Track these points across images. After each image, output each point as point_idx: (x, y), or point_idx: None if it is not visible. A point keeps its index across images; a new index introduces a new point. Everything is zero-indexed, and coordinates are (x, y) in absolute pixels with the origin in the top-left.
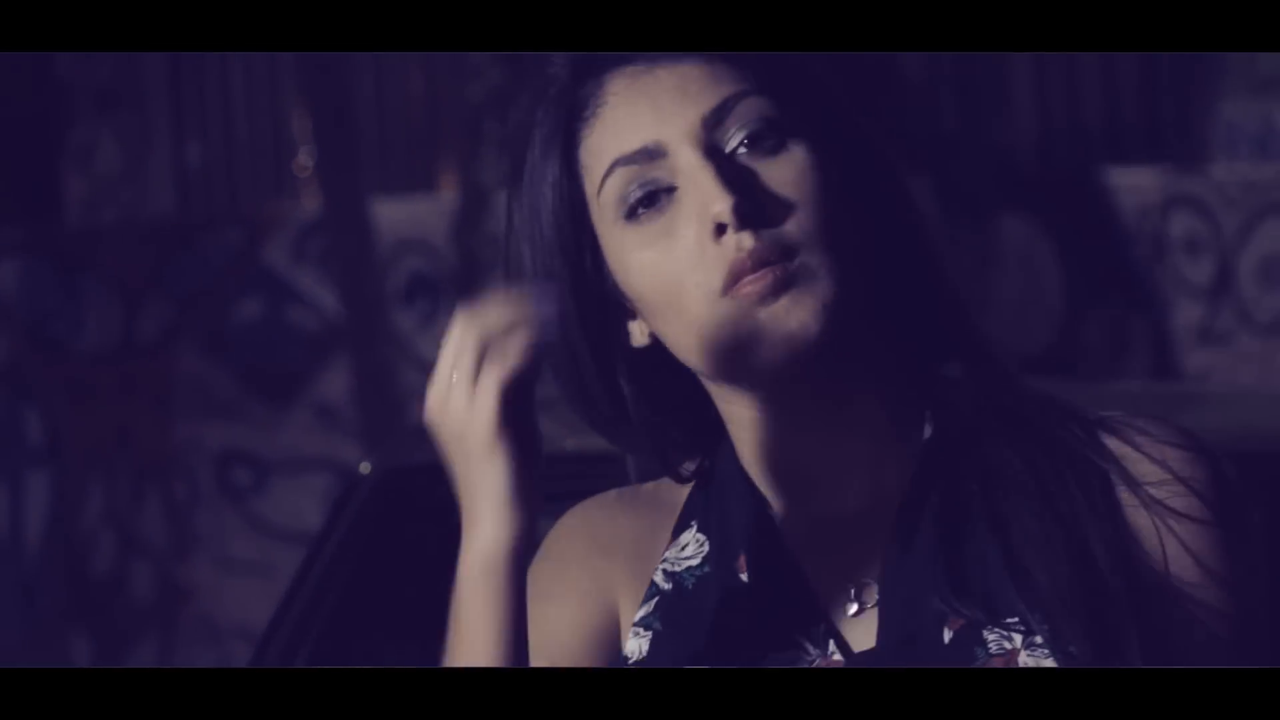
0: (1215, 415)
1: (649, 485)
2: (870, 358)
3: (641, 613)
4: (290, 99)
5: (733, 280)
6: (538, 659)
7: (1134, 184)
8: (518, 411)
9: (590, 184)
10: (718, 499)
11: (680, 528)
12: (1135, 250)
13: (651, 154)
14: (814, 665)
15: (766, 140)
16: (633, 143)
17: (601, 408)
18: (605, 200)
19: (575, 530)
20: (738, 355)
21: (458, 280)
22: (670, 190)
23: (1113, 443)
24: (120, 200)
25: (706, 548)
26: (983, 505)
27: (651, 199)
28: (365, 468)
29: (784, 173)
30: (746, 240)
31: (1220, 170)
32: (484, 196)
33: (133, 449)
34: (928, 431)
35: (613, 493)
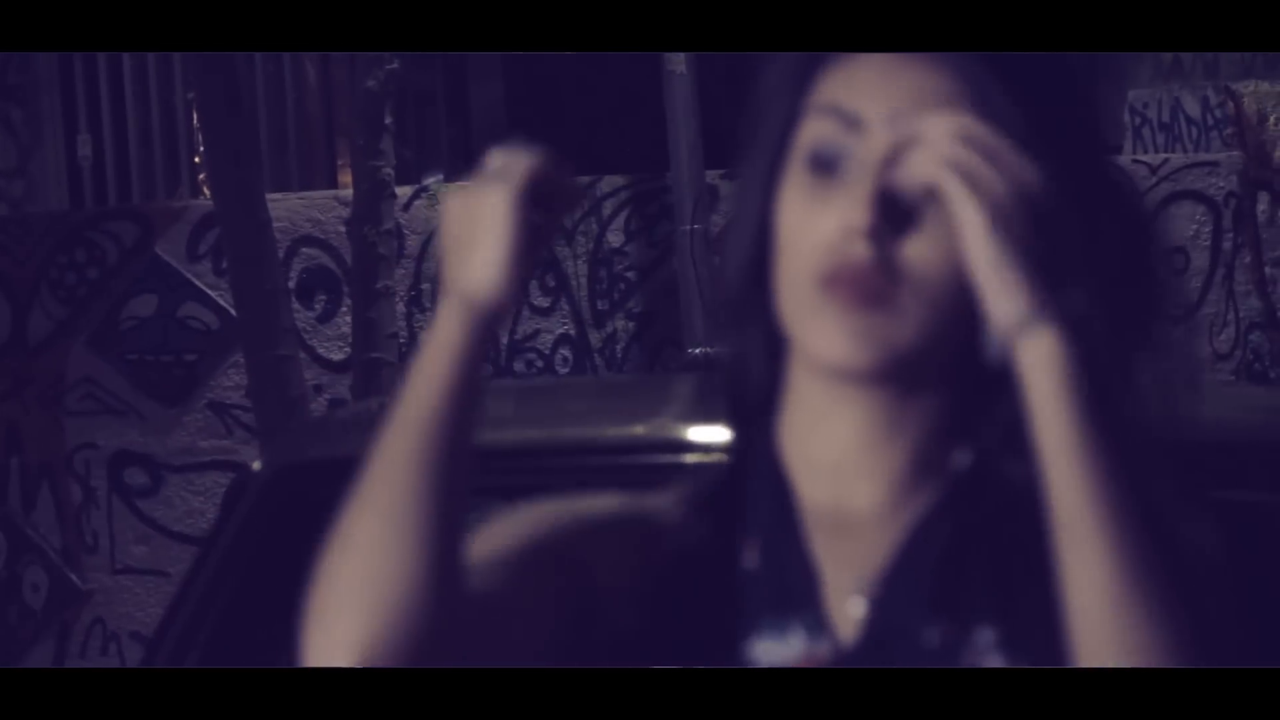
0: None
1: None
2: (947, 392)
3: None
4: (184, 92)
5: (831, 277)
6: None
7: None
8: (532, 219)
9: (813, 100)
10: (738, 483)
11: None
12: None
13: (852, 123)
14: (799, 656)
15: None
16: (847, 103)
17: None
18: (806, 130)
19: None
20: (800, 337)
21: (356, 275)
22: (848, 163)
23: None
24: (10, 195)
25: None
26: (991, 542)
27: (833, 160)
28: (257, 465)
29: (944, 215)
30: (862, 254)
31: (1128, 158)
32: (383, 191)
33: (24, 449)
34: (968, 460)
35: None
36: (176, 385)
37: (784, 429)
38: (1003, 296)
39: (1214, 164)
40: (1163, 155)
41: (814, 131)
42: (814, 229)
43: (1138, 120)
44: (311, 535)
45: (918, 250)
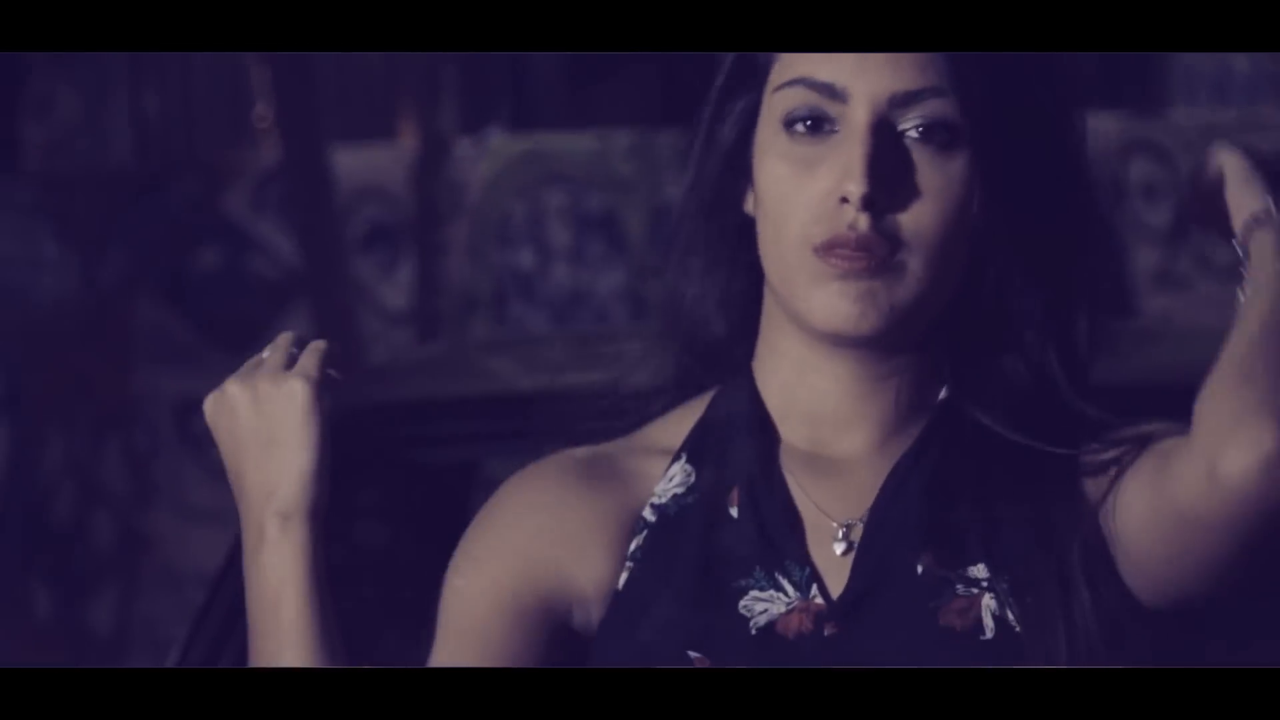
0: (1174, 351)
1: (607, 448)
2: (928, 341)
3: (633, 545)
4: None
5: (830, 246)
6: (451, 626)
7: (1092, 129)
8: (322, 407)
9: (775, 76)
10: (720, 431)
11: (673, 461)
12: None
13: (834, 93)
14: (792, 608)
15: (937, 139)
16: (824, 74)
17: (678, 265)
18: (774, 101)
19: (514, 494)
20: (797, 303)
21: (416, 227)
22: (832, 130)
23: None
24: (78, 149)
25: (694, 478)
26: (972, 475)
27: (815, 125)
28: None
29: (933, 174)
30: (862, 222)
31: (1179, 115)
32: (443, 144)
33: (92, 398)
34: (942, 394)
35: (566, 455)
36: (240, 335)
37: (763, 376)
38: (1254, 199)
39: None
40: (1211, 112)
41: (786, 99)
42: (804, 194)
43: (1186, 77)
44: (372, 480)
45: (912, 211)
